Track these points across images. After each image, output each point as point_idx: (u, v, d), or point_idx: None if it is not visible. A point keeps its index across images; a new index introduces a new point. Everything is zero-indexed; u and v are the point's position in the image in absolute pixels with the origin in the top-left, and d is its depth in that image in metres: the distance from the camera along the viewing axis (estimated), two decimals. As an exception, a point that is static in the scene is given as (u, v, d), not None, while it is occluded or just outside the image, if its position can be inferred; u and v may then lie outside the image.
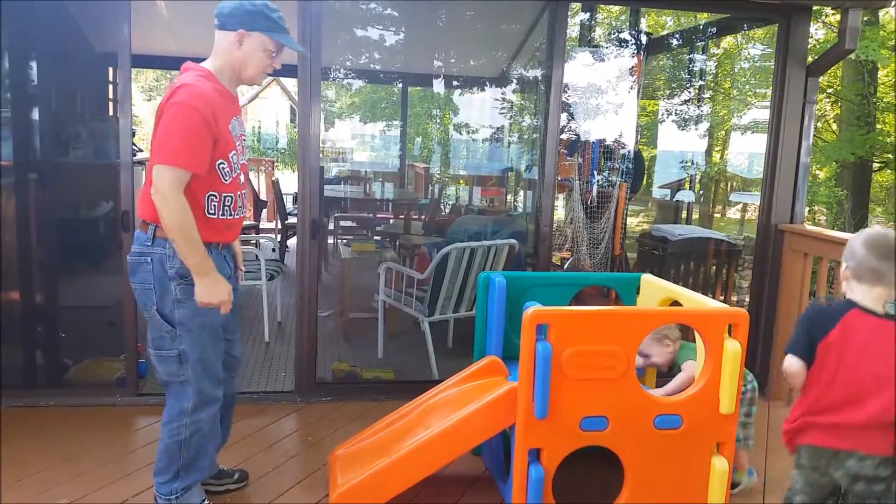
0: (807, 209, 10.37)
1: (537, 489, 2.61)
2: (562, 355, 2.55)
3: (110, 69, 5.27)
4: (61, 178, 4.49)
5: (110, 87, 5.48)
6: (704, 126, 9.23)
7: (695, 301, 2.94)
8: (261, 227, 8.84)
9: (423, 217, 7.31)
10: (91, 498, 2.82)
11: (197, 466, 2.62)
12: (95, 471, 3.04)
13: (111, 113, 5.38)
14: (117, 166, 3.62)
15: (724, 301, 4.83)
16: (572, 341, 2.56)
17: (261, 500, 2.88)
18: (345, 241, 6.76)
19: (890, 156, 10.20)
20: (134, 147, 8.58)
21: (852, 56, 8.27)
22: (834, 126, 11.63)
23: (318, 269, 3.89)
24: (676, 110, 9.32)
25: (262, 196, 9.71)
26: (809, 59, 4.11)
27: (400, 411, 3.14)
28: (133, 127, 3.84)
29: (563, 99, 4.07)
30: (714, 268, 5.29)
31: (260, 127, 17.22)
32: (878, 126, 10.20)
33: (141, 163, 8.36)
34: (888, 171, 11.31)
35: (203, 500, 2.67)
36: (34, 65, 4.11)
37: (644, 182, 7.10)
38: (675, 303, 3.08)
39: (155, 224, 2.43)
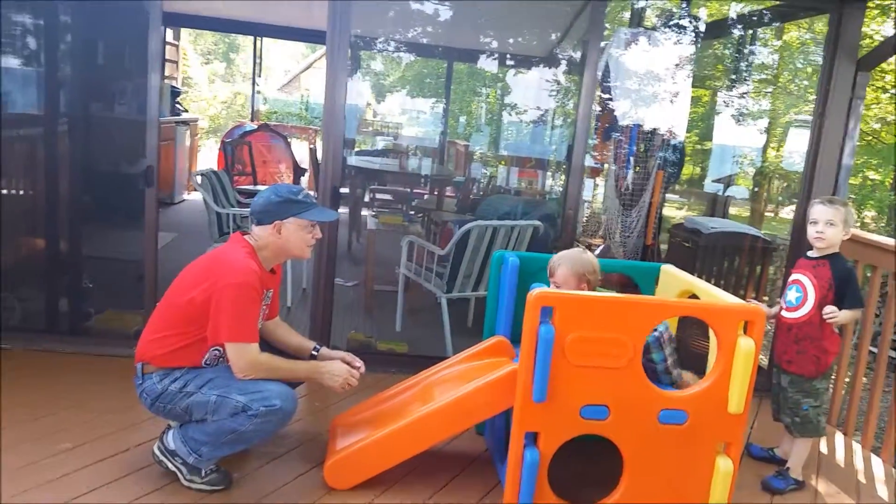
0: (855, 213, 10.00)
1: (532, 473, 2.57)
2: (565, 339, 2.49)
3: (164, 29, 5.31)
4: (102, 133, 4.56)
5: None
6: (759, 121, 8.94)
7: (712, 295, 2.84)
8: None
9: (457, 194, 7.26)
10: (94, 444, 2.88)
11: (234, 448, 2.67)
12: (102, 418, 3.10)
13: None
14: (146, 123, 3.65)
15: (756, 299, 4.68)
16: (577, 326, 2.50)
17: (258, 461, 2.90)
18: (374, 213, 6.76)
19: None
20: (178, 107, 8.75)
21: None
22: (896, 129, 11.15)
23: (336, 238, 3.88)
24: (730, 102, 9.04)
25: (303, 164, 9.77)
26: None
27: (403, 384, 3.14)
28: (183, 87, 3.88)
29: (606, 83, 3.96)
30: (748, 265, 5.13)
31: (308, 96, 17.31)
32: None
33: (185, 122, 8.55)
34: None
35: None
36: (71, 19, 4.17)
37: (688, 173, 6.93)
38: (694, 296, 2.99)
39: (142, 363, 2.66)
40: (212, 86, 18.67)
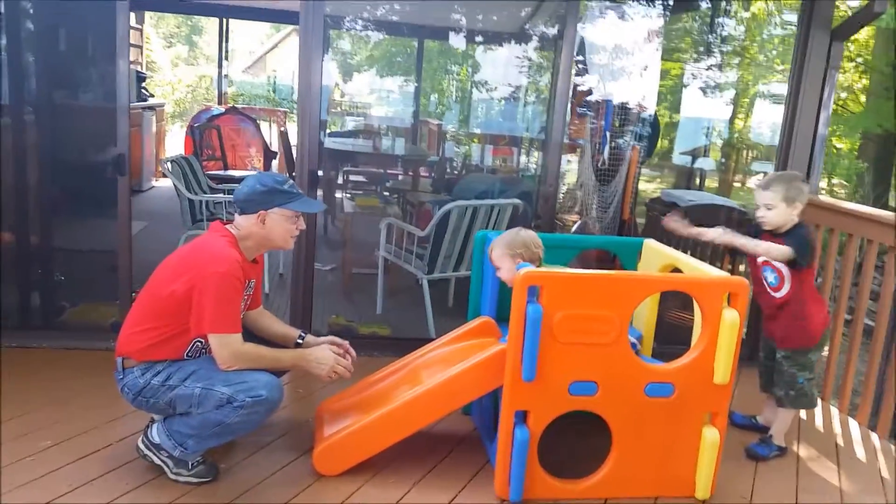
0: (825, 181, 10.15)
1: (522, 451, 2.58)
2: (553, 318, 2.49)
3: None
4: (67, 121, 4.43)
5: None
6: (727, 93, 8.99)
7: (695, 268, 2.86)
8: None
9: (432, 174, 7.21)
10: (76, 441, 2.83)
11: (221, 440, 2.63)
12: (83, 414, 3.04)
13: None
14: (115, 110, 3.55)
15: (732, 272, 4.72)
16: (564, 305, 2.50)
17: (245, 451, 2.86)
18: (350, 195, 6.70)
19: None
20: (145, 92, 8.55)
21: (883, 24, 7.98)
22: (862, 98, 11.30)
23: (316, 221, 3.83)
24: (699, 75, 9.08)
25: (274, 147, 9.64)
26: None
27: (389, 368, 3.12)
28: (147, 72, 3.79)
29: (581, 57, 3.93)
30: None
31: (276, 77, 17.04)
32: (908, 98, 9.88)
33: (152, 108, 8.37)
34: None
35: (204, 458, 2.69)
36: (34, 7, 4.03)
37: (658, 147, 6.95)
38: (677, 269, 3.01)
39: (122, 357, 2.59)
40: (175, 69, 18.30)
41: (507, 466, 2.62)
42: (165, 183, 8.66)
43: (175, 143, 11.07)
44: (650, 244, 3.27)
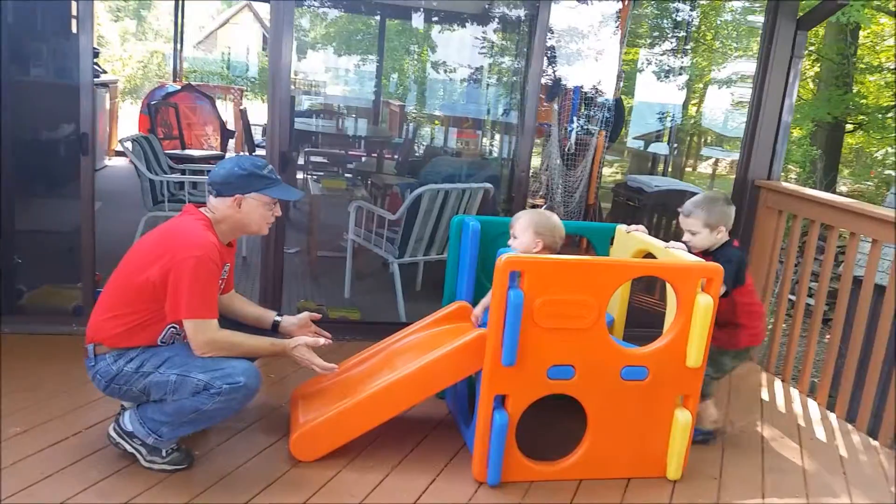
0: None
1: (501, 434, 2.60)
2: (534, 303, 2.51)
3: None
4: (19, 98, 4.25)
5: (73, 2, 5.18)
6: (683, 78, 9.13)
7: (668, 254, 2.90)
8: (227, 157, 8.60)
9: (396, 156, 7.16)
10: (45, 428, 2.75)
11: (196, 427, 2.58)
12: (50, 400, 2.95)
13: (74, 31, 5.10)
14: (78, 87, 3.42)
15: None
16: (545, 290, 2.51)
17: (219, 437, 2.82)
18: (315, 177, 6.61)
19: (864, 118, 10.23)
20: (97, 68, 8.26)
21: (833, 17, 8.18)
22: (811, 85, 11.61)
23: (286, 204, 3.76)
24: (657, 60, 9.19)
25: (230, 126, 9.44)
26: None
27: (365, 353, 3.10)
28: (96, 47, 3.64)
29: (548, 43, 3.94)
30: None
31: (230, 54, 16.66)
32: (855, 88, 10.20)
33: (104, 84, 8.09)
34: (859, 133, 11.37)
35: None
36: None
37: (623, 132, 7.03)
38: (650, 255, 3.05)
39: (93, 343, 2.52)
40: (125, 45, 17.73)
41: (485, 450, 2.64)
42: (119, 162, 8.42)
43: (128, 121, 10.75)
44: (623, 229, 3.31)
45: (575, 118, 5.06)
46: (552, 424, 2.90)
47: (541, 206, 5.50)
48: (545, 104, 5.23)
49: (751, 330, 3.08)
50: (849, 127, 10.87)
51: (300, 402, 2.94)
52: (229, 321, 2.72)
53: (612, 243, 3.36)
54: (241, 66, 16.39)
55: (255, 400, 2.99)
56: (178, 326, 2.55)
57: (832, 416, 3.59)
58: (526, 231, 2.87)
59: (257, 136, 8.20)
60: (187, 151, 7.53)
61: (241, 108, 8.68)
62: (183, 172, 5.35)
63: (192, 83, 10.14)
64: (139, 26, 21.34)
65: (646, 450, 2.80)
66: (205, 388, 2.44)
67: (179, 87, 9.06)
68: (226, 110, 10.27)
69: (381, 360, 3.01)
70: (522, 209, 4.09)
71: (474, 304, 3.07)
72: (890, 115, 10.01)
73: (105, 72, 8.99)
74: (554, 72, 5.28)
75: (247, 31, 21.90)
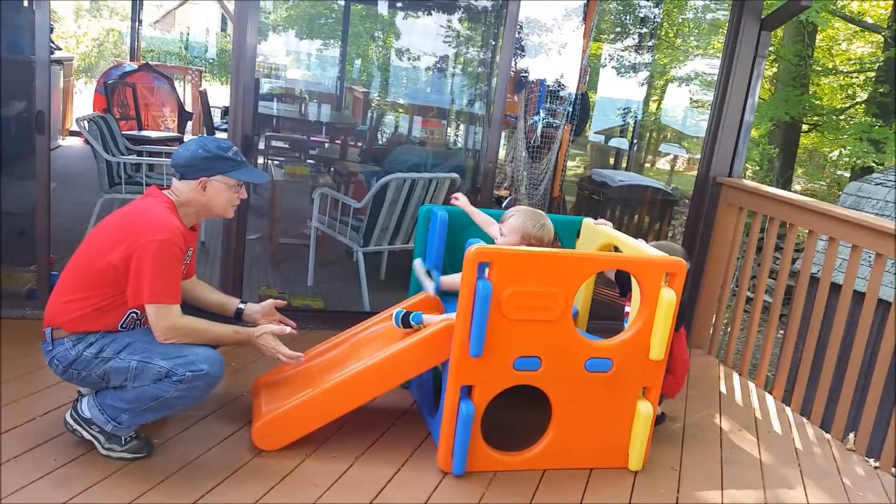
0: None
1: (466, 425, 2.60)
2: (501, 295, 2.51)
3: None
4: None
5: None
6: (644, 74, 9.22)
7: (634, 248, 2.93)
8: (185, 140, 8.42)
9: (360, 144, 7.10)
10: (-5, 415, 2.66)
11: (157, 415, 2.53)
12: (2, 386, 2.86)
13: (25, 4, 4.93)
14: (32, 63, 3.30)
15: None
16: (513, 281, 2.52)
17: (179, 425, 2.77)
18: (277, 162, 6.51)
19: (818, 119, 10.49)
20: (52, 45, 7.99)
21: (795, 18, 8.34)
22: (768, 85, 11.85)
23: (248, 187, 3.69)
24: (619, 56, 9.26)
25: (188, 108, 9.24)
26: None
27: (328, 342, 3.07)
28: (51, 23, 3.50)
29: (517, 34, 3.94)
30: (649, 216, 5.35)
31: (188, 34, 16.26)
32: (812, 89, 10.44)
33: (59, 62, 7.83)
34: (813, 133, 11.66)
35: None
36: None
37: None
38: (615, 248, 3.08)
39: (51, 327, 2.46)
40: (79, 21, 17.18)
41: (450, 440, 2.64)
42: (72, 142, 8.18)
43: (83, 100, 10.44)
44: (589, 223, 3.33)
45: (541, 110, 5.07)
46: (516, 415, 2.91)
47: (505, 198, 5.52)
48: (511, 96, 5.23)
49: (678, 381, 3.08)
50: (805, 127, 11.14)
51: (262, 391, 2.90)
52: (191, 308, 2.66)
53: (578, 236, 3.38)
54: (200, 47, 16.01)
55: (216, 388, 2.97)
56: (139, 312, 2.49)
57: (788, 410, 3.69)
58: (514, 233, 2.86)
59: (216, 118, 8.04)
60: (144, 132, 7.35)
61: (201, 89, 8.49)
62: (140, 154, 5.21)
63: (150, 63, 9.89)
64: (94, 2, 20.71)
65: (608, 441, 2.84)
66: (167, 375, 2.39)
67: (137, 67, 8.82)
68: (184, 91, 10.03)
69: (347, 350, 2.99)
70: (489, 200, 4.11)
71: (441, 293, 3.06)
72: (843, 116, 10.29)
73: (59, 48, 8.71)
74: (521, 65, 5.28)
75: (206, 11, 21.42)
